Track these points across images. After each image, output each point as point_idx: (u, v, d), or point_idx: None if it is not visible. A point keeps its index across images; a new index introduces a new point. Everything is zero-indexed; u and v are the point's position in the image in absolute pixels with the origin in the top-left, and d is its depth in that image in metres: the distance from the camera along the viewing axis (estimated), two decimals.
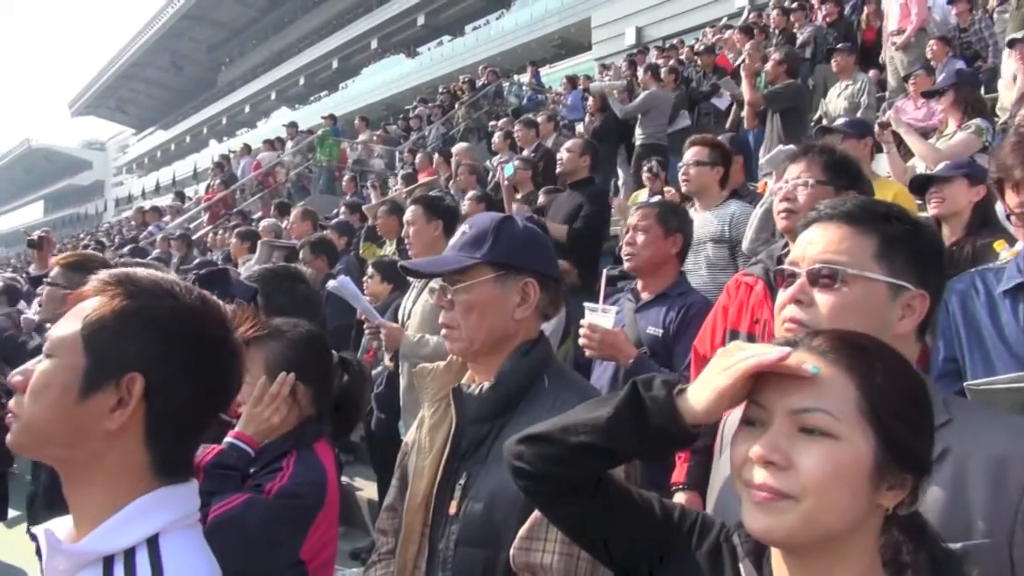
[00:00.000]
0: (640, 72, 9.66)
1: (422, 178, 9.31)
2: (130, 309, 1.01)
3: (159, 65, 58.21)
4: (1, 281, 6.48)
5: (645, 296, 2.88)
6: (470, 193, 5.97)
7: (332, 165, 14.36)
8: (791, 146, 3.53)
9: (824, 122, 5.65)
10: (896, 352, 0.94)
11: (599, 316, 2.51)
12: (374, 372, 4.15)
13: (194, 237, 11.65)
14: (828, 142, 2.56)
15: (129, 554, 0.98)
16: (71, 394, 0.98)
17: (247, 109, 54.07)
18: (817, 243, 1.21)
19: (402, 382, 3.55)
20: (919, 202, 3.42)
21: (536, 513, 1.33)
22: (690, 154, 3.62)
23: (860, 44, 7.95)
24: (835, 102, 6.33)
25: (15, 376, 1.03)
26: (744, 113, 6.66)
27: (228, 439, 1.72)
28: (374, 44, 43.01)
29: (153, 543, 0.99)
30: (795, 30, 8.89)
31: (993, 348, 1.60)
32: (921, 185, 3.31)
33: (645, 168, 6.25)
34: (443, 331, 1.54)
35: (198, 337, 1.04)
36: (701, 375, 0.96)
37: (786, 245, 2.11)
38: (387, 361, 3.89)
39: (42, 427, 0.99)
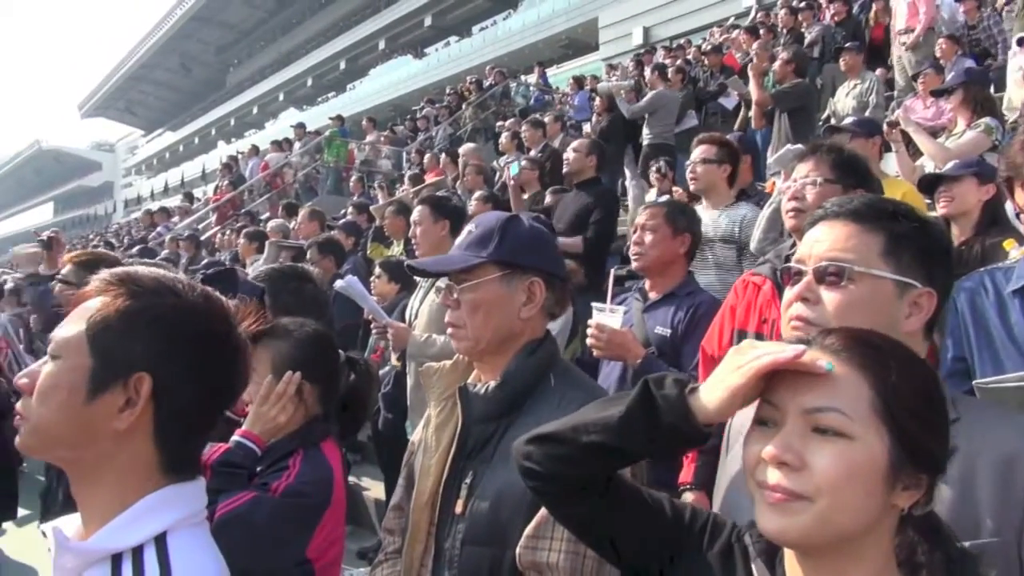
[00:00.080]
0: (647, 72, 9.67)
1: (429, 178, 9.32)
2: (134, 308, 1.01)
3: (168, 67, 58.45)
4: (11, 281, 6.53)
5: (653, 296, 2.87)
6: (477, 193, 5.97)
7: (340, 166, 14.41)
8: (799, 145, 3.51)
9: (832, 121, 5.60)
10: (910, 350, 0.93)
11: (607, 316, 2.50)
12: (381, 372, 4.17)
13: (202, 238, 11.70)
14: (836, 141, 2.55)
15: (137, 552, 0.98)
16: (79, 395, 0.98)
17: (255, 110, 54.28)
18: (824, 241, 1.20)
19: (409, 381, 3.55)
20: (928, 201, 3.40)
21: (542, 512, 1.32)
22: (698, 152, 3.60)
23: (868, 42, 7.91)
24: (843, 101, 6.30)
25: (21, 378, 1.02)
26: (752, 113, 6.65)
27: (235, 437, 1.73)
28: (381, 45, 43.12)
29: (161, 541, 0.99)
30: (803, 29, 8.87)
31: (1002, 347, 1.60)
32: (930, 184, 3.29)
33: (653, 168, 6.23)
34: (449, 330, 1.54)
35: (203, 334, 1.04)
36: (714, 373, 0.95)
37: (794, 244, 2.10)
38: (394, 360, 3.90)
39: (51, 429, 0.99)
